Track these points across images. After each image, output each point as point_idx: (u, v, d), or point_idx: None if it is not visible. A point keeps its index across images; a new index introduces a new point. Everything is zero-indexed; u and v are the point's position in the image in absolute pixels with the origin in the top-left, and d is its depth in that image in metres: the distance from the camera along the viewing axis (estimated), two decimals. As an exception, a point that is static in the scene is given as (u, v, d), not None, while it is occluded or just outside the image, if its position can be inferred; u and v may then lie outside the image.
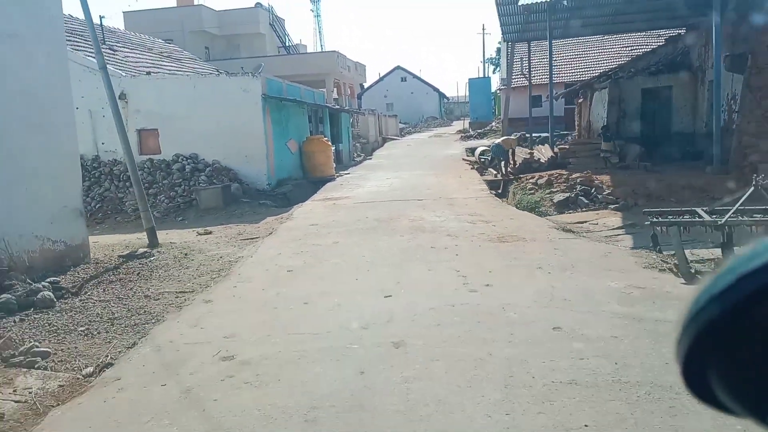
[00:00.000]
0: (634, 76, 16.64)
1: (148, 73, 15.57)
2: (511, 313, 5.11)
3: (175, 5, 37.26)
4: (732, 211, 6.14)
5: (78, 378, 4.45)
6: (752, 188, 6.08)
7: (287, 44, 39.36)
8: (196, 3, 37.54)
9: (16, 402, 4.16)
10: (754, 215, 6.19)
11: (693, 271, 6.11)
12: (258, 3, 38.14)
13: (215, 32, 36.18)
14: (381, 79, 56.38)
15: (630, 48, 26.56)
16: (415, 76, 57.76)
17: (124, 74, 14.53)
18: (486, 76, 46.05)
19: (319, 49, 53.51)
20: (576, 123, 22.63)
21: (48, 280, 6.67)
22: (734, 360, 0.49)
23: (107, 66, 9.12)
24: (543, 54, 22.08)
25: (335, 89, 35.07)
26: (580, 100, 21.61)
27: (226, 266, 7.61)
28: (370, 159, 24.58)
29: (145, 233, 9.26)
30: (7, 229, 6.62)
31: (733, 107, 12.49)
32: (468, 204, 11.44)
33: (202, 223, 11.55)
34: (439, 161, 20.80)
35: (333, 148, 18.49)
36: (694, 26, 16.37)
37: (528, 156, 16.27)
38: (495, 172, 16.19)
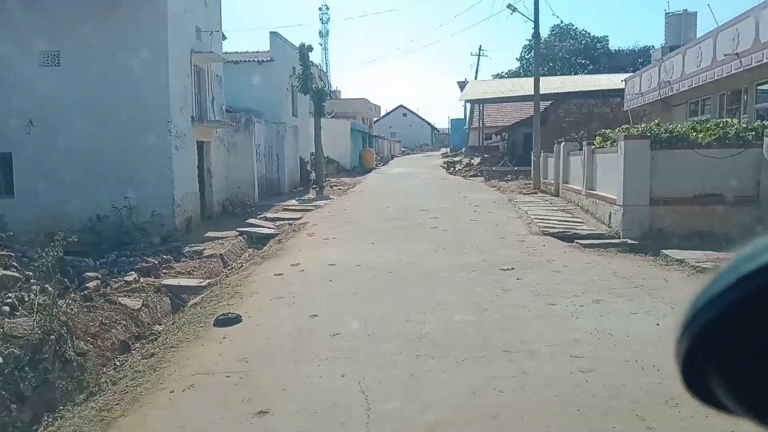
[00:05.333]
0: (520, 126, 34.56)
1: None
2: (438, 183, 22.90)
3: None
4: (499, 165, 23.93)
5: (349, 187, 22.15)
6: (503, 161, 23.88)
7: (329, 90, 57.62)
8: (268, 59, 55.44)
9: (333, 192, 21.81)
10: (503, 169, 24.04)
11: (490, 183, 23.77)
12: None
13: (282, 80, 53.95)
14: (388, 113, 74.56)
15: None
16: (413, 113, 76.13)
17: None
18: (465, 116, 64.06)
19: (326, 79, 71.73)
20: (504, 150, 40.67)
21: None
22: (734, 360, 0.49)
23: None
24: (492, 108, 40.19)
25: (361, 122, 52.86)
26: (505, 137, 39.60)
27: (359, 182, 25.27)
28: (387, 165, 42.46)
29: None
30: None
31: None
32: (436, 175, 29.25)
33: (331, 178, 29.12)
34: (426, 166, 38.66)
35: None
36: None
37: (468, 162, 34.03)
38: (452, 169, 33.90)
